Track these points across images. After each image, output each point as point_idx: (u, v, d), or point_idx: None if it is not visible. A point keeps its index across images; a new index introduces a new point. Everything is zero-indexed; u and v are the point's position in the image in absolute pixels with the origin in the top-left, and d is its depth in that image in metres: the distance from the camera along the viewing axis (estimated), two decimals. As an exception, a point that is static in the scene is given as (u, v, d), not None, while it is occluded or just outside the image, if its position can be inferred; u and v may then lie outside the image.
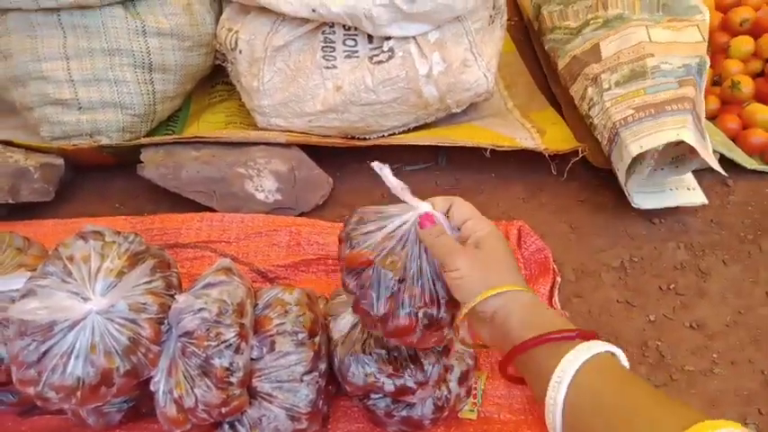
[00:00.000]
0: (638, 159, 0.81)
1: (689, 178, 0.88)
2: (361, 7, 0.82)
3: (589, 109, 0.88)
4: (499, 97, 1.09)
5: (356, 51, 0.89)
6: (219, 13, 1.02)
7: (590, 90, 0.88)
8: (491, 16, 0.98)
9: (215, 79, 1.10)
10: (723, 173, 0.82)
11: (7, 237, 0.66)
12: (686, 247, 0.83)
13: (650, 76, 0.81)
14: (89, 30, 0.88)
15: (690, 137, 0.76)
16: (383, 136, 0.96)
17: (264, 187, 0.85)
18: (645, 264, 0.82)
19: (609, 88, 0.85)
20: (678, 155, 0.85)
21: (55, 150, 0.89)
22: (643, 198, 0.85)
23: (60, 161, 0.89)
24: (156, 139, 0.90)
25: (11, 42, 0.89)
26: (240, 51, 0.92)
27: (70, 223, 0.86)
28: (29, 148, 0.88)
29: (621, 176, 0.82)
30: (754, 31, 1.04)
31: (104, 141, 0.90)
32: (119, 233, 0.60)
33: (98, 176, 0.96)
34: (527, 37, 1.26)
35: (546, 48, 1.09)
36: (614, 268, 0.81)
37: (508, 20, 1.14)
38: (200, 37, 0.97)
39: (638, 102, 0.80)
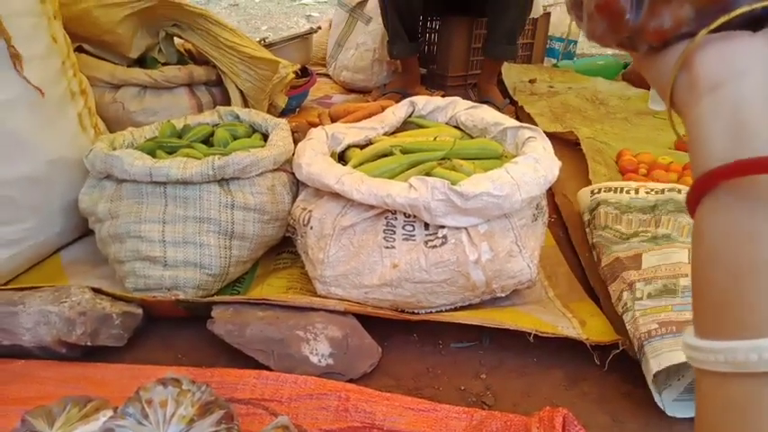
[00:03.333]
0: (674, 370, 0.84)
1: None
2: (422, 200, 0.95)
3: (623, 313, 0.94)
4: (540, 286, 1.16)
5: (413, 236, 1.00)
6: (296, 193, 1.18)
7: (625, 294, 0.95)
8: (534, 215, 1.10)
9: (281, 248, 1.23)
10: None
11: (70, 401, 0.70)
12: (734, 453, 0.82)
13: (680, 295, 0.88)
14: (187, 201, 1.04)
15: None
16: (431, 312, 1.03)
17: (319, 351, 0.91)
18: (692, 467, 0.80)
19: (641, 298, 0.91)
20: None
21: (137, 300, 0.99)
22: (678, 406, 0.85)
23: (139, 311, 0.98)
24: (229, 298, 1.00)
25: (121, 206, 1.04)
26: (311, 227, 1.05)
27: (135, 369, 0.92)
28: (115, 297, 0.99)
29: (652, 388, 0.85)
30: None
31: (181, 296, 1.00)
32: (194, 382, 0.66)
33: (164, 327, 1.04)
34: (566, 233, 1.37)
35: (593, 241, 1.18)
36: (660, 468, 0.80)
37: (549, 218, 1.27)
38: (278, 212, 1.12)
39: (663, 317, 0.86)
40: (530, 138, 1.19)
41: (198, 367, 0.92)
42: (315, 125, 1.80)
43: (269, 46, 2.03)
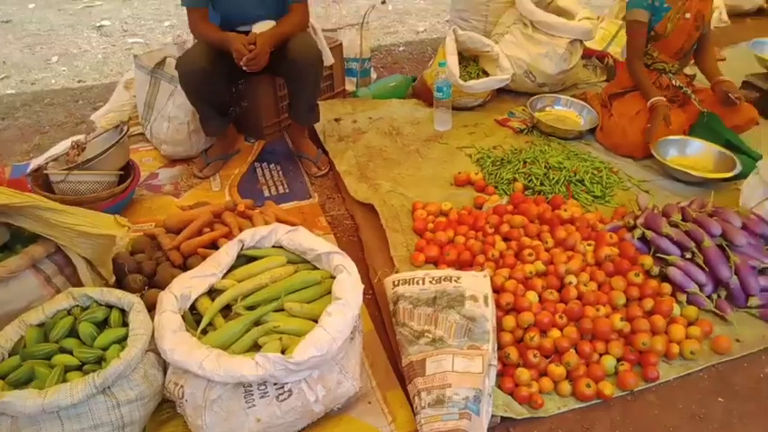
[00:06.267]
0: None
1: None
2: (267, 373, 1.30)
3: (416, 414, 1.41)
4: (366, 377, 1.60)
5: (267, 393, 1.36)
6: (164, 364, 1.46)
7: (416, 399, 1.42)
8: (351, 335, 1.51)
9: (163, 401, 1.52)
10: None
11: None
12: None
13: (446, 405, 1.36)
14: (80, 415, 1.28)
15: None
16: (288, 439, 1.43)
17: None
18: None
19: (424, 407, 1.39)
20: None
21: None
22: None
23: None
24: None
25: (20, 435, 1.26)
26: (186, 400, 1.36)
27: None
28: None
29: None
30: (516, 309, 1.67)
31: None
32: None
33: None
34: (379, 313, 1.81)
35: (396, 337, 1.62)
36: None
37: (365, 294, 1.68)
38: (155, 390, 1.40)
39: (436, 426, 1.34)
40: (338, 266, 1.57)
41: None
42: (152, 237, 2.00)
43: (89, 161, 2.12)
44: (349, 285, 1.51)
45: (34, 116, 3.11)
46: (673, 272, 1.80)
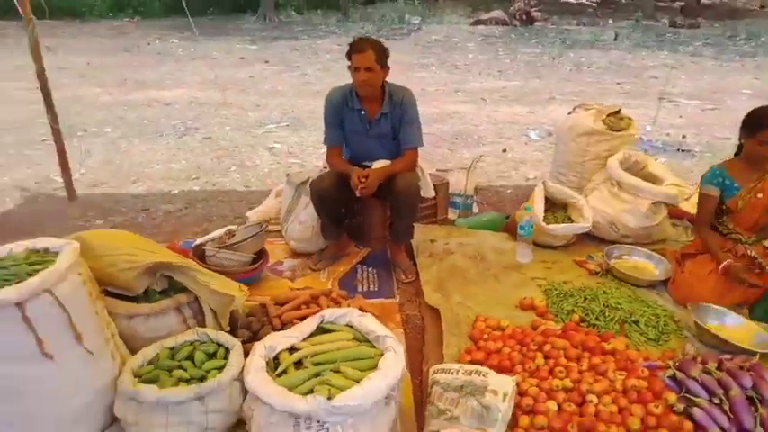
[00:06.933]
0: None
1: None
2: (312, 410, 1.72)
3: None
4: (395, 444, 1.92)
5: (310, 427, 1.76)
6: (245, 393, 1.94)
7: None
8: (387, 398, 1.87)
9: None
10: None
11: None
12: None
13: None
14: (180, 412, 1.79)
15: None
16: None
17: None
18: None
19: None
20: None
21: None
22: None
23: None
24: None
25: (141, 417, 1.79)
26: (253, 421, 1.81)
27: None
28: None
29: None
30: None
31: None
32: None
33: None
34: (421, 395, 2.14)
35: (425, 412, 1.94)
36: None
37: (415, 380, 2.02)
38: (234, 407, 1.88)
39: None
40: (389, 347, 1.98)
41: None
42: (264, 306, 2.58)
43: (234, 245, 2.83)
44: (392, 361, 1.91)
45: (207, 209, 4.07)
46: (697, 412, 1.92)
